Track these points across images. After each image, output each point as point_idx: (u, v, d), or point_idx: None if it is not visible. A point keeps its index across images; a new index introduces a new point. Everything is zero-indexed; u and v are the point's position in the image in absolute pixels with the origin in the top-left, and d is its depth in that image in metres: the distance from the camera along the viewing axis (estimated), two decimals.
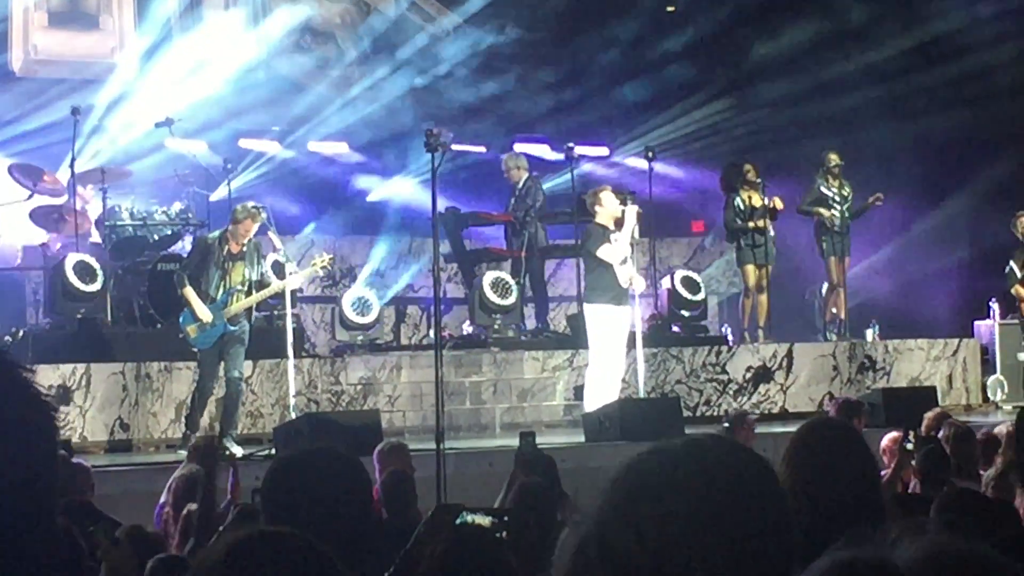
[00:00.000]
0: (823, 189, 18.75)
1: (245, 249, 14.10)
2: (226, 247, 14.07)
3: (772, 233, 18.47)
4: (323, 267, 14.90)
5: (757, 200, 18.39)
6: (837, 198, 18.71)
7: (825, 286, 19.20)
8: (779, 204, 18.38)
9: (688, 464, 2.05)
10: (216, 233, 14.45)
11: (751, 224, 18.31)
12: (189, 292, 14.01)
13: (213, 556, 2.29)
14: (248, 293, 14.11)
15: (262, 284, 14.27)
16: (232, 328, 14.00)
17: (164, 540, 7.54)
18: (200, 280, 14.04)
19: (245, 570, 2.25)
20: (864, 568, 1.62)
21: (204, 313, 13.91)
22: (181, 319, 14.17)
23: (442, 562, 4.63)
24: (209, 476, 8.38)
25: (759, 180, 18.46)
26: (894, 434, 10.50)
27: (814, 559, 1.70)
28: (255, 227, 14.14)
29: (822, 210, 18.62)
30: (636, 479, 2.05)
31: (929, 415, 11.57)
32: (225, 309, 13.97)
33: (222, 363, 14.08)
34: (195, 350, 14.21)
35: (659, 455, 2.08)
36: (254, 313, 14.72)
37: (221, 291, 14.03)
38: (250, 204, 14.49)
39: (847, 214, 18.71)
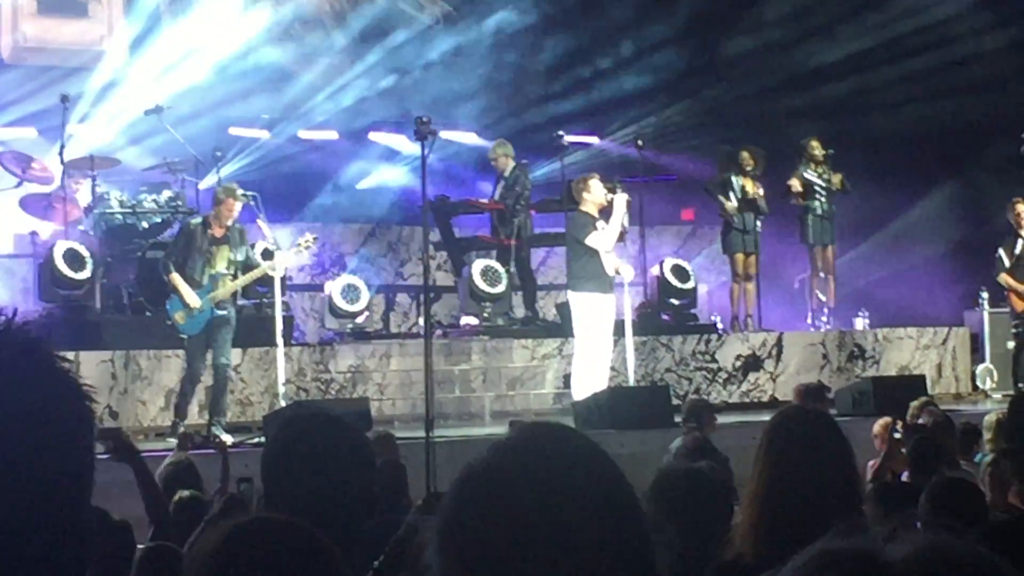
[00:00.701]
0: (807, 175, 18.73)
1: (229, 233, 14.05)
2: (209, 231, 14.03)
3: (759, 222, 18.47)
4: (306, 246, 14.75)
5: (751, 188, 18.38)
6: (822, 184, 18.68)
7: (809, 273, 19.22)
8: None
9: (525, 456, 1.99)
10: (199, 219, 14.43)
11: (729, 204, 18.31)
12: (176, 278, 13.97)
13: (209, 544, 2.28)
14: (234, 277, 14.07)
15: (248, 267, 14.23)
16: (219, 312, 13.97)
17: (130, 527, 7.50)
18: (186, 266, 13.99)
19: (240, 558, 2.25)
20: (850, 559, 1.61)
21: (193, 299, 13.87)
22: (168, 306, 14.12)
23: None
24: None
25: (754, 168, 18.44)
26: (885, 419, 10.52)
27: (794, 551, 1.69)
28: (237, 206, 14.07)
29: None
30: (465, 510, 1.99)
31: (915, 404, 11.60)
32: (212, 294, 13.94)
33: (209, 350, 14.05)
34: (182, 336, 14.17)
35: (499, 450, 2.01)
36: (239, 299, 14.69)
37: (207, 276, 13.98)
38: (231, 184, 14.48)
39: (826, 201, 18.65)
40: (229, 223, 14.02)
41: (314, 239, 14.79)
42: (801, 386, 12.56)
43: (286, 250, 14.88)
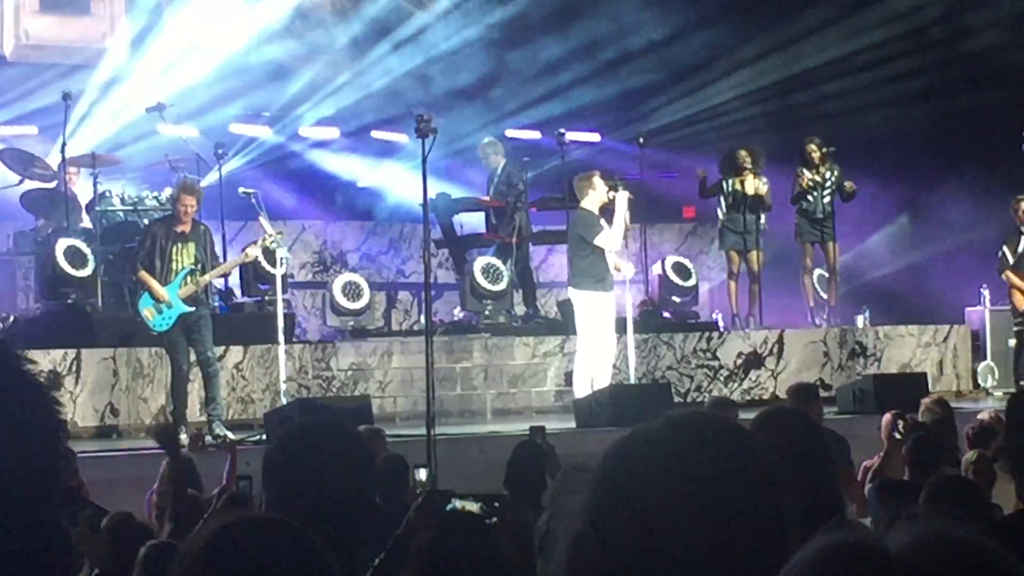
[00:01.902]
0: (803, 175, 18.69)
1: (193, 230, 14.06)
2: (173, 229, 14.05)
3: (763, 222, 18.43)
4: (271, 243, 14.69)
5: (750, 187, 18.36)
6: (817, 184, 18.63)
7: (817, 272, 19.19)
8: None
9: (672, 446, 2.05)
10: (161, 217, 14.51)
11: (729, 212, 18.32)
12: (144, 275, 13.99)
13: (196, 543, 2.29)
14: (202, 273, 14.08)
15: (215, 266, 14.30)
16: (189, 309, 13.96)
17: (151, 528, 7.52)
18: (152, 265, 13.99)
19: (226, 557, 2.25)
20: (854, 551, 1.62)
21: (161, 292, 13.86)
22: (139, 303, 14.13)
23: (431, 548, 4.63)
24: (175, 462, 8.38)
25: (752, 166, 18.42)
26: (890, 415, 10.55)
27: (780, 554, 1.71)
28: (194, 200, 14.07)
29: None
30: (620, 468, 2.05)
31: (925, 401, 11.58)
32: (180, 290, 13.95)
33: (191, 349, 14.05)
34: (155, 333, 14.10)
35: (641, 440, 2.08)
36: (245, 296, 14.67)
37: (173, 273, 13.99)
38: (186, 180, 14.54)
39: (827, 199, 18.62)
40: (189, 219, 14.02)
41: (279, 234, 14.71)
42: (793, 386, 12.55)
43: (254, 244, 14.82)
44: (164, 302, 13.89)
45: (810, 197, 18.60)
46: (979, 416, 10.68)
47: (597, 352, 14.75)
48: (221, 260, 14.84)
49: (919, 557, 1.59)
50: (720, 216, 18.48)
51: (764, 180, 18.44)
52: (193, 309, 13.97)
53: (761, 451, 2.10)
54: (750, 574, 1.98)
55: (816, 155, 18.61)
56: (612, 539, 2.00)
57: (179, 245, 13.99)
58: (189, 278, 13.98)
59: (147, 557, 6.19)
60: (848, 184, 18.48)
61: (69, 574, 1.92)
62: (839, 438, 9.63)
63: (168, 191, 16.90)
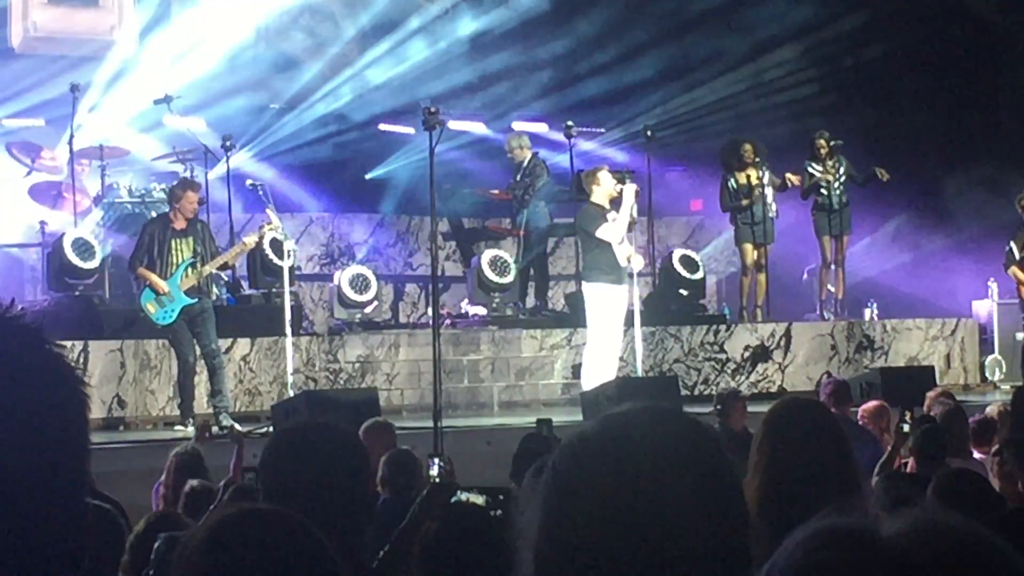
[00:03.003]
0: (811, 169, 18.70)
1: (191, 225, 14.10)
2: (171, 225, 14.10)
3: (773, 213, 18.45)
4: (271, 229, 14.71)
5: (754, 179, 18.36)
6: (827, 178, 18.63)
7: (819, 265, 19.18)
8: (792, 180, 18.44)
9: (621, 445, 2.02)
10: (158, 215, 14.61)
11: (744, 202, 18.32)
12: (143, 271, 14.10)
13: (198, 535, 2.29)
14: (202, 265, 14.12)
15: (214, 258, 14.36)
16: (192, 301, 14.00)
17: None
18: (152, 261, 14.04)
19: (228, 549, 2.25)
20: (844, 535, 1.61)
21: (162, 285, 13.91)
22: (141, 298, 14.18)
23: (437, 540, 4.63)
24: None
25: (757, 159, 18.42)
26: (872, 404, 10.60)
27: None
28: (196, 197, 14.14)
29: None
30: (570, 471, 2.01)
31: (931, 394, 11.59)
32: (181, 282, 13.99)
33: (195, 343, 14.08)
34: (160, 326, 14.13)
35: (591, 440, 2.05)
36: (251, 288, 14.66)
37: (173, 266, 14.03)
38: (188, 177, 14.59)
39: (838, 192, 18.63)
40: (191, 217, 14.08)
41: (268, 226, 14.70)
42: (829, 384, 12.48)
43: (252, 233, 14.89)
44: (165, 295, 13.91)
45: (823, 191, 18.61)
46: (987, 410, 10.68)
47: (606, 345, 14.76)
48: (222, 252, 14.86)
49: (910, 543, 1.58)
50: (743, 207, 18.38)
51: (767, 171, 18.41)
52: (196, 301, 14.00)
53: (715, 443, 2.08)
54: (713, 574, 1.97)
55: (824, 149, 18.62)
56: (566, 544, 1.98)
57: (177, 240, 14.05)
58: (190, 270, 14.03)
59: (161, 548, 6.18)
60: (880, 171, 18.51)
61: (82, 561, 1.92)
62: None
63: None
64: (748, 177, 18.39)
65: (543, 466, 2.07)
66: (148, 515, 6.89)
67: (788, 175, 18.55)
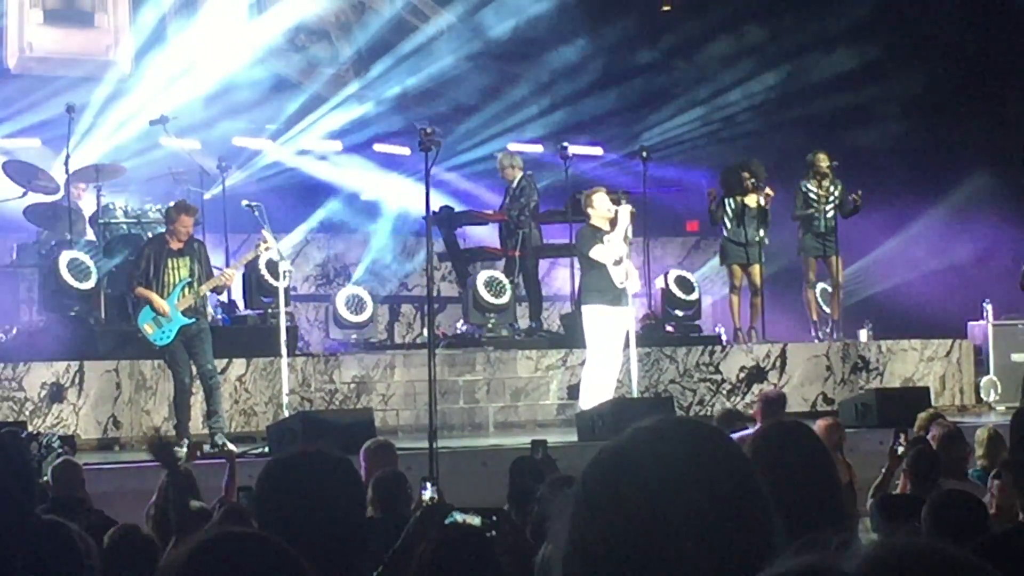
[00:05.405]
0: (806, 188, 18.70)
1: (186, 247, 14.12)
2: (167, 246, 14.11)
3: (762, 235, 18.37)
4: (265, 249, 14.76)
5: (752, 201, 18.35)
6: (821, 198, 18.63)
7: (820, 286, 19.15)
8: (769, 192, 18.41)
9: (651, 456, 2.04)
10: (154, 235, 14.62)
11: (732, 227, 18.31)
12: (142, 290, 14.09)
13: (178, 557, 2.28)
14: (199, 285, 14.13)
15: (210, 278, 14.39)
16: (188, 321, 14.00)
17: (156, 541, 7.52)
18: (149, 281, 14.05)
19: (207, 571, 2.24)
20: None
21: (163, 304, 13.92)
22: (139, 318, 14.18)
23: (431, 561, 4.63)
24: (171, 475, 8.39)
25: (756, 183, 18.39)
26: (825, 420, 10.68)
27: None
28: (191, 221, 14.16)
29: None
30: (599, 483, 2.04)
31: (922, 415, 11.58)
32: (178, 302, 13.99)
33: (192, 362, 14.07)
34: (158, 347, 14.13)
35: (620, 452, 2.07)
36: (247, 309, 14.66)
37: (170, 286, 14.04)
38: (183, 200, 14.63)
39: (830, 214, 18.63)
40: (187, 238, 14.10)
41: (264, 245, 14.73)
42: (762, 396, 12.60)
43: (248, 253, 14.98)
44: (164, 315, 13.92)
45: (814, 212, 18.62)
46: (976, 433, 10.68)
47: (604, 366, 14.76)
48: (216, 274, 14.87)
49: (874, 573, 1.58)
50: (725, 231, 18.45)
51: (767, 192, 18.40)
52: (193, 321, 14.01)
53: (743, 458, 2.09)
54: None
55: (824, 165, 18.62)
56: (594, 557, 1.99)
57: (174, 259, 14.06)
58: (186, 290, 14.03)
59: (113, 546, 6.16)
60: (854, 196, 18.47)
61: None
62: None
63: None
64: (744, 200, 18.34)
65: (565, 480, 2.09)
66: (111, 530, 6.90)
67: (767, 191, 18.46)
